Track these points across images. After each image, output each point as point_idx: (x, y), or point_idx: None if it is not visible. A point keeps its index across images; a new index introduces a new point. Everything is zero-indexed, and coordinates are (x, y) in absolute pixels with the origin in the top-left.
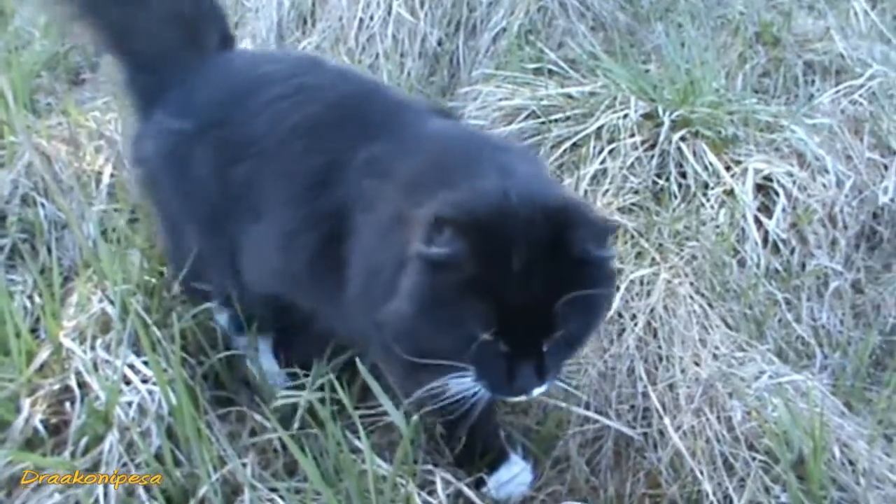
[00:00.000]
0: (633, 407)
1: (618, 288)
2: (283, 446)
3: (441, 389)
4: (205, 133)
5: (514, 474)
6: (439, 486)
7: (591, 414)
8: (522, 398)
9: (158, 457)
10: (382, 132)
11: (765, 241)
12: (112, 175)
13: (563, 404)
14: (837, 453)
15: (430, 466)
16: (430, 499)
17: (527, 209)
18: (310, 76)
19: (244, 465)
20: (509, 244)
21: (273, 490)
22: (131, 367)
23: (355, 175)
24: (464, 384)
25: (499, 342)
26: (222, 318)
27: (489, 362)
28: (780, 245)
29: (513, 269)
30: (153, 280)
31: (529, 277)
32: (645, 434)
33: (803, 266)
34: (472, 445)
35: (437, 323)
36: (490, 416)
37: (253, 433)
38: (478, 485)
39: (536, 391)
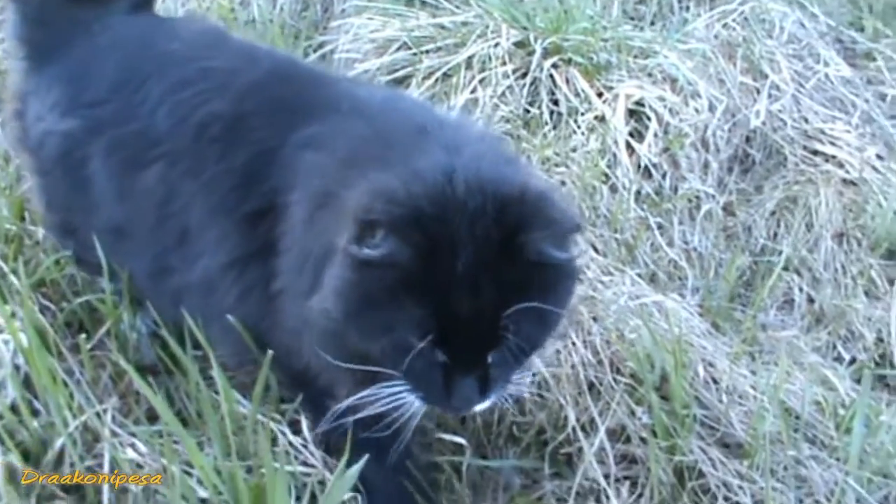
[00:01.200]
0: None
1: None
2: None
3: (371, 400)
4: (98, 133)
5: None
6: (304, 425)
7: None
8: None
9: (14, 408)
10: (314, 110)
11: (637, 166)
12: None
13: None
14: (702, 372)
15: (296, 405)
16: (294, 439)
17: (476, 199)
18: (213, 58)
19: (104, 411)
20: (453, 242)
21: (133, 436)
22: None
23: (289, 159)
24: (398, 395)
25: (436, 351)
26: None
27: (425, 373)
28: (652, 170)
29: (456, 271)
30: (13, 228)
31: (475, 281)
32: None
33: (675, 190)
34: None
35: (368, 327)
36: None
37: (113, 379)
38: None
39: (479, 407)
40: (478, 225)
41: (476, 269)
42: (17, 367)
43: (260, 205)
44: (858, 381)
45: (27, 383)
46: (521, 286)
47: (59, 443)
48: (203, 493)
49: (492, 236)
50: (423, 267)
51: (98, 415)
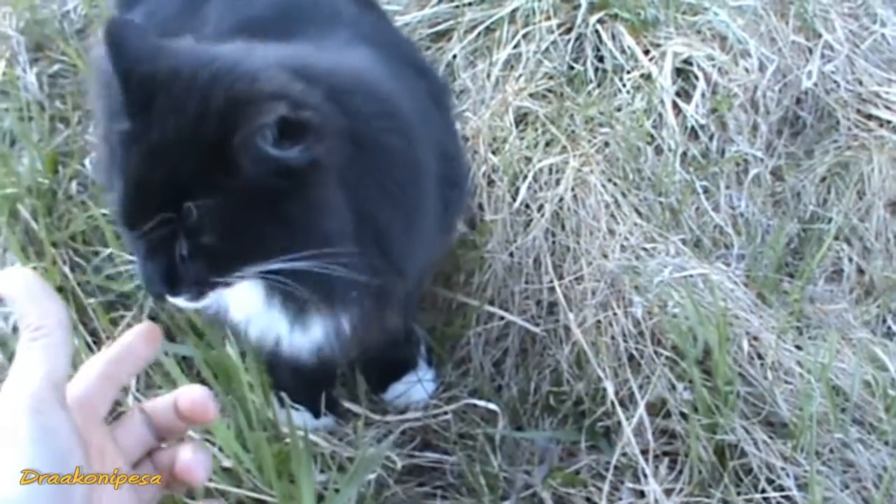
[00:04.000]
0: (539, 303)
1: (524, 177)
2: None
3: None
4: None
5: (416, 381)
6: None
7: (495, 310)
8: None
9: None
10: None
11: (683, 127)
12: (3, 74)
13: (474, 302)
14: (746, 347)
15: None
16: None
17: (204, 85)
18: None
19: None
20: (159, 115)
21: None
22: None
23: None
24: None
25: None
26: None
27: (133, 247)
28: (699, 131)
29: (151, 145)
30: (45, 181)
31: (166, 159)
32: (552, 331)
33: (723, 153)
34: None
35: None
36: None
37: None
38: None
39: (174, 299)
40: (191, 99)
41: (172, 148)
42: None
43: None
44: None
45: None
46: (212, 179)
47: None
48: (227, 463)
49: (201, 116)
50: (130, 133)
51: None
